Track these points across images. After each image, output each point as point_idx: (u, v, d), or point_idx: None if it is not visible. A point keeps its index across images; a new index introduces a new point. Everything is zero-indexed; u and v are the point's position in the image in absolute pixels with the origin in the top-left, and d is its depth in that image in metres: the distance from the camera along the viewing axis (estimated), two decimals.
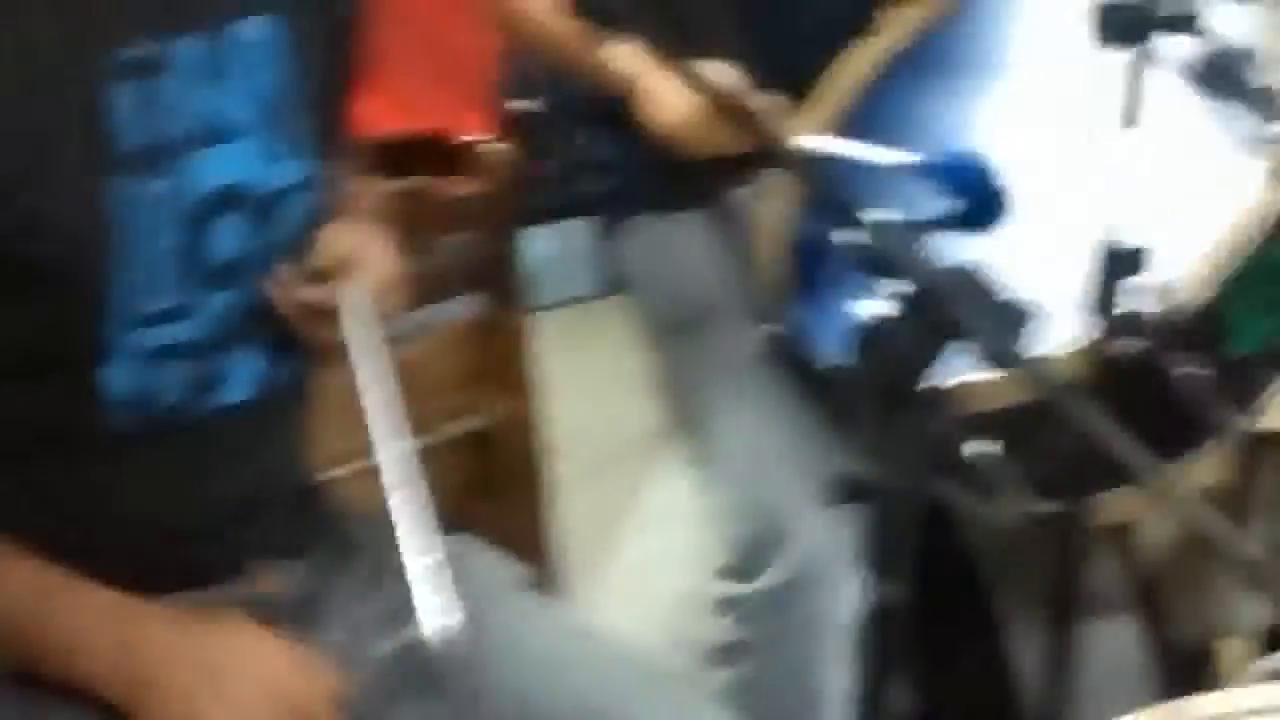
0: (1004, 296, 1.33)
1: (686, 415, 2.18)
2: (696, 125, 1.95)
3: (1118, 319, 1.63)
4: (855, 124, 2.11)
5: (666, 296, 2.18)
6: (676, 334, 2.16)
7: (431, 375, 2.09)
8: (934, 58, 2.12)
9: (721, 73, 1.99)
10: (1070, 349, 1.66)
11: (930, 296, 1.32)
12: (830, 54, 2.14)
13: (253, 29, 1.51)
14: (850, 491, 1.43)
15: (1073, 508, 1.72)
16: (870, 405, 1.39)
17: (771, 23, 2.12)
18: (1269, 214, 1.72)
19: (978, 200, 1.92)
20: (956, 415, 1.67)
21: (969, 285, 1.33)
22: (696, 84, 1.41)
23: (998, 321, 1.32)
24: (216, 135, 1.48)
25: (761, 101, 1.99)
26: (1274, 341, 1.79)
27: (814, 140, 2.06)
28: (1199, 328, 1.71)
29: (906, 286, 1.32)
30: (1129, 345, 1.64)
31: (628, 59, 1.99)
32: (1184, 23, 1.59)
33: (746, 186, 2.08)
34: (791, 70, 2.05)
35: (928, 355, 1.33)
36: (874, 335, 1.34)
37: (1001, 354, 1.32)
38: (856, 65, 2.14)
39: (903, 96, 2.08)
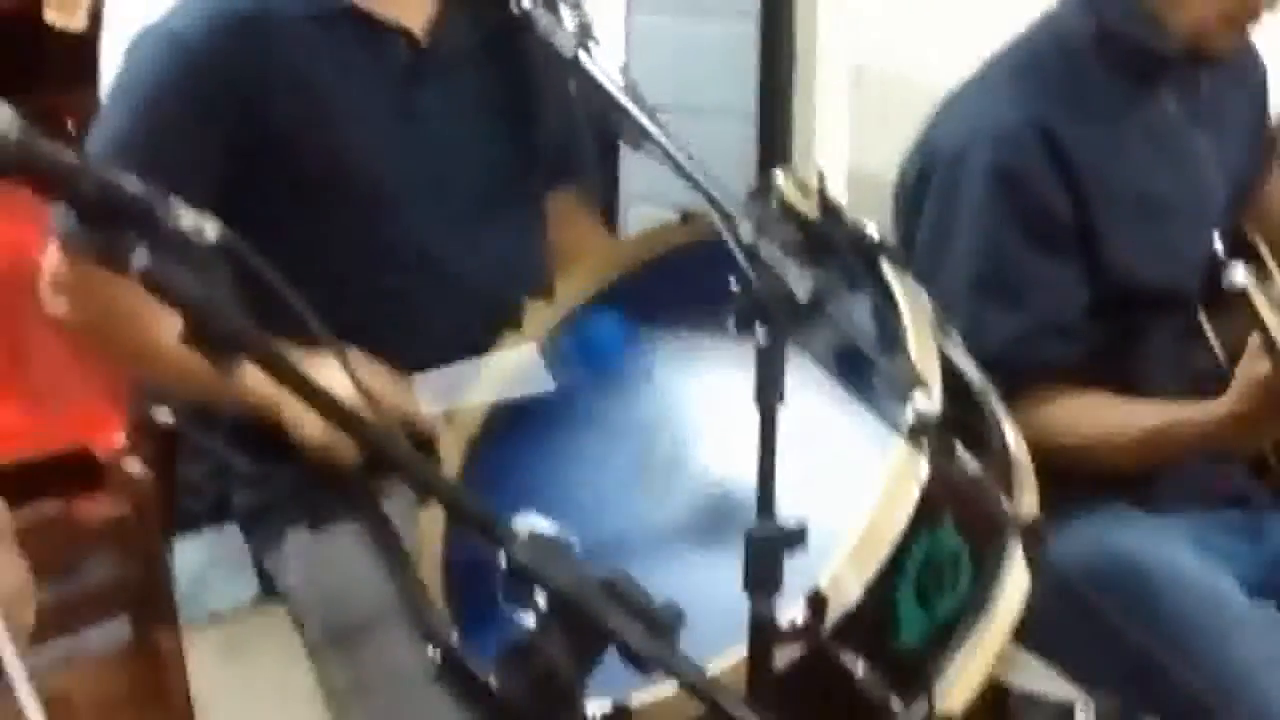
0: (652, 603, 1.40)
1: None
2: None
3: (778, 625, 1.69)
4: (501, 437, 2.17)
5: (327, 608, 2.18)
6: (341, 645, 2.16)
7: (80, 709, 2.07)
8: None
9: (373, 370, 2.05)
10: (734, 652, 1.70)
11: (575, 608, 1.38)
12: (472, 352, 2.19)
13: None
14: None
15: None
16: None
17: (407, 327, 2.19)
18: (913, 501, 1.81)
19: None
20: None
21: (615, 594, 1.40)
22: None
23: (647, 630, 1.39)
24: None
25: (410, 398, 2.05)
26: (940, 629, 1.87)
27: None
28: (866, 620, 1.80)
29: (550, 599, 1.38)
30: (791, 649, 1.73)
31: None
32: (811, 309, 1.70)
33: (401, 498, 2.14)
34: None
35: (577, 671, 1.39)
36: (519, 652, 1.39)
37: (652, 663, 1.38)
38: (501, 366, 2.20)
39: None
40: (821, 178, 2.02)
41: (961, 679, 1.89)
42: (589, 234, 2.48)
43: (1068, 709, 2.45)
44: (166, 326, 2.03)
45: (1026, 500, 1.99)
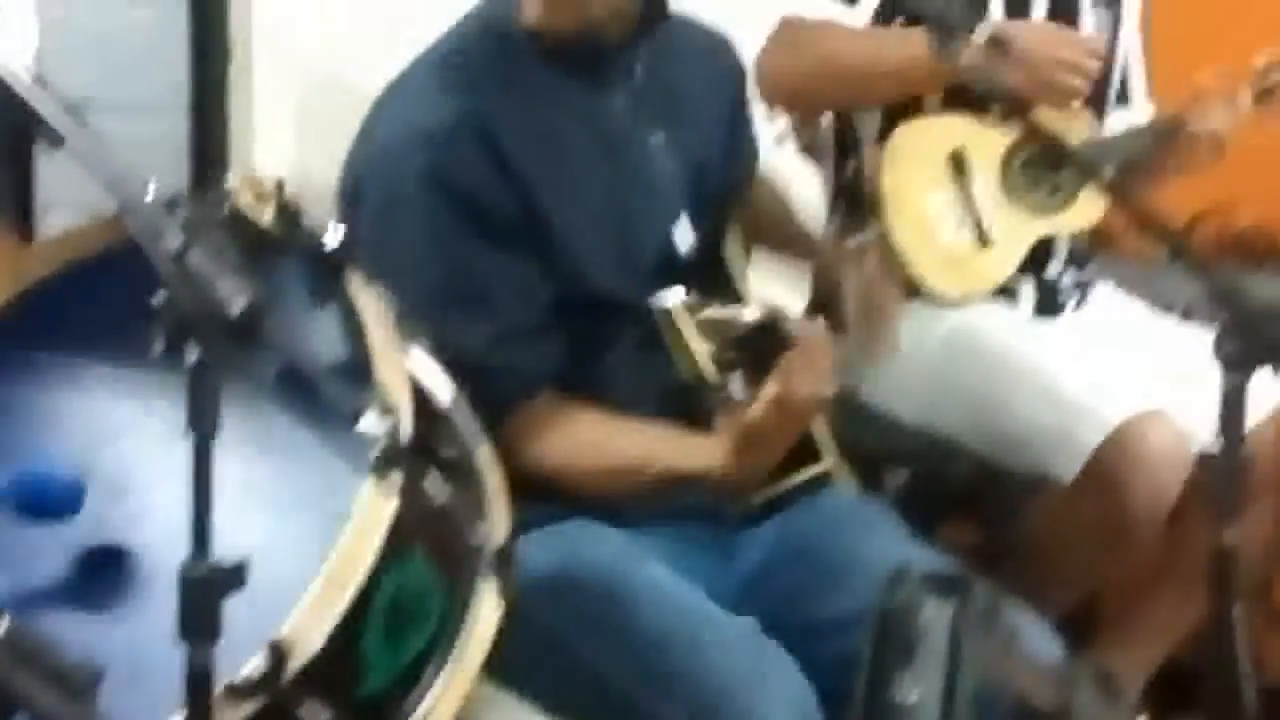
0: (66, 662, 1.33)
1: None
2: None
3: (234, 684, 1.65)
4: None
5: None
6: None
7: None
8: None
9: None
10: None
11: None
12: None
13: None
14: None
15: None
16: None
17: None
18: (380, 537, 1.77)
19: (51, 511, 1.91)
20: None
21: (21, 653, 1.33)
22: None
23: (60, 688, 1.32)
24: None
25: None
26: (410, 668, 1.86)
27: None
28: (331, 666, 1.75)
29: None
30: (249, 703, 1.68)
31: None
32: (247, 326, 1.64)
33: None
34: None
35: None
36: None
37: None
38: None
39: None
40: (281, 183, 1.97)
41: (433, 717, 1.87)
42: None
43: None
44: None
45: (498, 524, 1.98)
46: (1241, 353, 2.04)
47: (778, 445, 2.33)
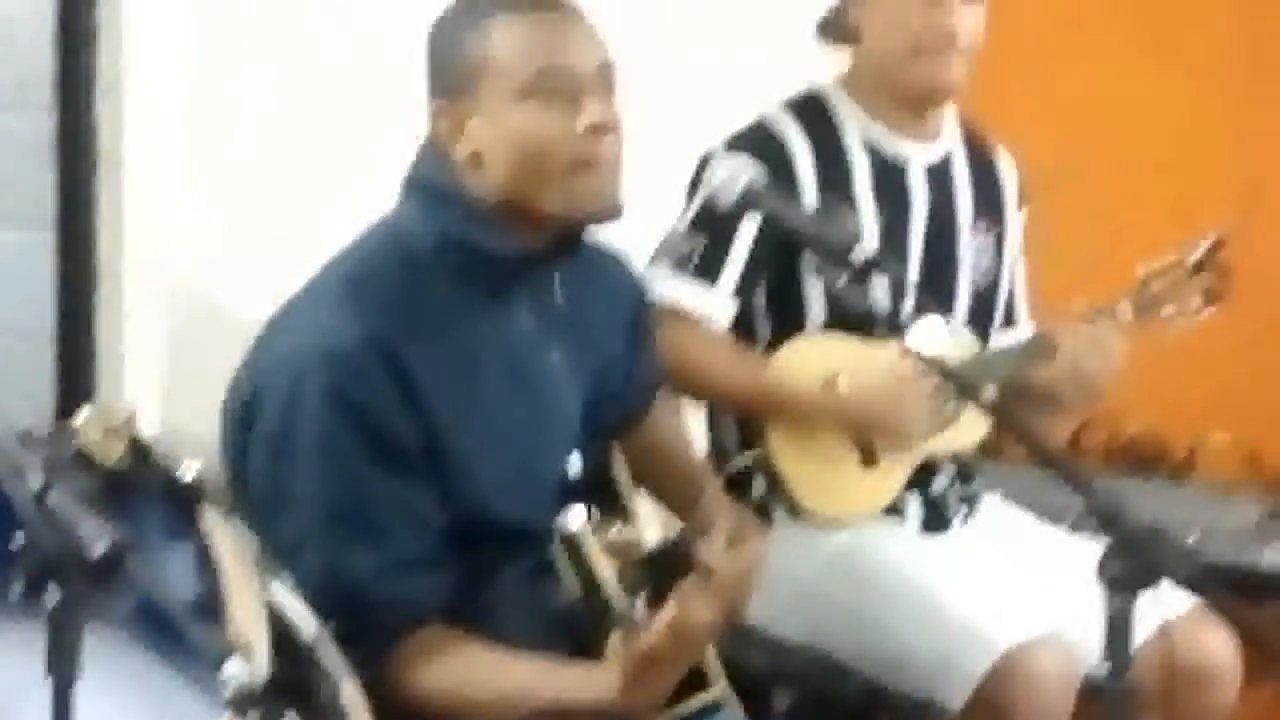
0: None
1: None
2: None
3: None
4: None
5: None
6: None
7: None
8: None
9: None
10: None
11: None
12: None
13: None
14: None
15: None
16: None
17: None
18: None
19: None
20: None
21: None
22: None
23: None
24: None
25: None
26: None
27: None
28: None
29: None
30: None
31: None
32: (107, 567, 1.62)
33: None
34: None
35: None
36: None
37: None
38: None
39: None
40: (131, 418, 1.95)
41: None
42: None
43: None
44: None
45: None
46: (1125, 576, 2.05)
47: (673, 672, 2.28)
